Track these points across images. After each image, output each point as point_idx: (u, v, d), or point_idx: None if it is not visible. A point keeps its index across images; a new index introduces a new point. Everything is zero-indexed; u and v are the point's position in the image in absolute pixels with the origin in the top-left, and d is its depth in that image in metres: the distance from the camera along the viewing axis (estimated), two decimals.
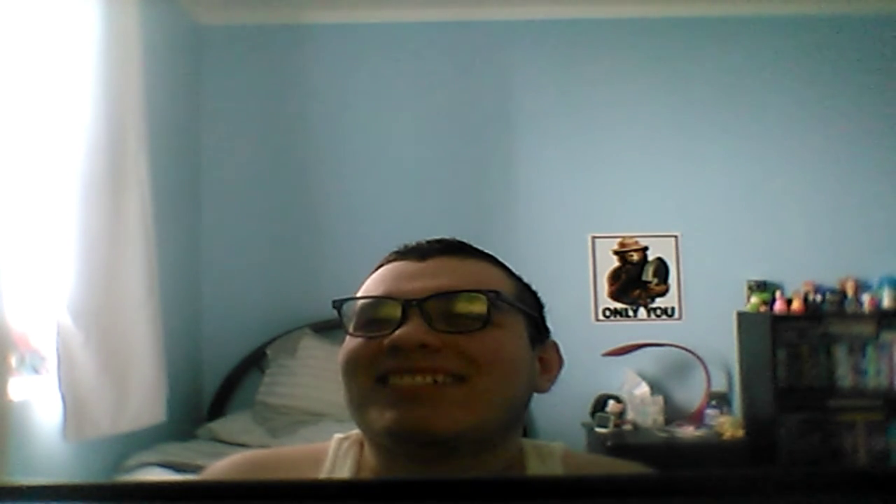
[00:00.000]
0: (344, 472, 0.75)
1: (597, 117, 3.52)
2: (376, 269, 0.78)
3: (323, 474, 0.75)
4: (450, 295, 0.71)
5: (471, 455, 0.70)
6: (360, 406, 0.70)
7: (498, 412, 0.70)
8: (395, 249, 0.79)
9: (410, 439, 0.67)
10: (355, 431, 0.76)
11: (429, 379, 0.67)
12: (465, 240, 0.80)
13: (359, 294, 0.75)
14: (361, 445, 0.77)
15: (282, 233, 3.49)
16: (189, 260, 3.36)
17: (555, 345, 0.80)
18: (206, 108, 3.51)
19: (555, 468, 0.77)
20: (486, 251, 0.80)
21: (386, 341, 0.68)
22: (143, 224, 2.57)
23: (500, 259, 0.80)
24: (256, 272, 3.45)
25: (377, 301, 0.72)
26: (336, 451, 0.77)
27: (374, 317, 0.72)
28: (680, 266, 3.47)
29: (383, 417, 0.67)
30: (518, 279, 0.79)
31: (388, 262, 0.77)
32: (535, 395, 0.77)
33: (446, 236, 0.80)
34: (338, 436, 0.79)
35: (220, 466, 0.79)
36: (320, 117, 3.53)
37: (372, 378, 0.69)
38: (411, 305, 0.69)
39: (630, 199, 3.50)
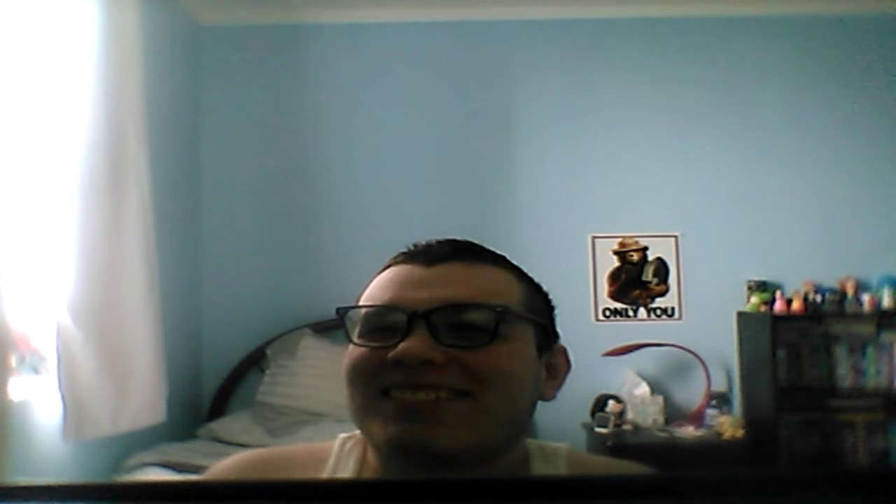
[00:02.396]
0: (347, 471, 0.75)
1: (598, 117, 3.52)
2: (382, 271, 0.76)
3: (326, 474, 0.75)
4: (457, 307, 0.69)
5: (474, 465, 0.69)
6: (362, 416, 0.70)
7: (501, 427, 0.70)
8: (403, 250, 0.76)
9: (411, 454, 0.67)
10: (359, 431, 0.76)
11: (432, 395, 0.66)
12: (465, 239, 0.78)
13: (363, 298, 0.74)
14: (365, 445, 0.77)
15: (282, 232, 3.49)
16: (189, 260, 3.36)
17: (563, 350, 0.78)
18: (206, 108, 3.51)
19: (559, 469, 0.76)
20: (498, 252, 0.77)
21: (390, 355, 0.67)
22: (143, 224, 2.56)
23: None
24: (256, 272, 3.45)
25: (382, 309, 0.71)
26: (339, 450, 0.77)
27: (378, 325, 0.71)
28: (680, 266, 3.46)
29: (385, 430, 0.67)
30: (529, 282, 0.77)
31: (395, 263, 0.75)
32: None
33: (455, 237, 0.77)
34: (342, 435, 0.79)
35: (224, 465, 0.79)
36: (320, 117, 3.53)
37: (375, 389, 0.68)
38: (417, 316, 0.68)
39: (630, 199, 3.50)
